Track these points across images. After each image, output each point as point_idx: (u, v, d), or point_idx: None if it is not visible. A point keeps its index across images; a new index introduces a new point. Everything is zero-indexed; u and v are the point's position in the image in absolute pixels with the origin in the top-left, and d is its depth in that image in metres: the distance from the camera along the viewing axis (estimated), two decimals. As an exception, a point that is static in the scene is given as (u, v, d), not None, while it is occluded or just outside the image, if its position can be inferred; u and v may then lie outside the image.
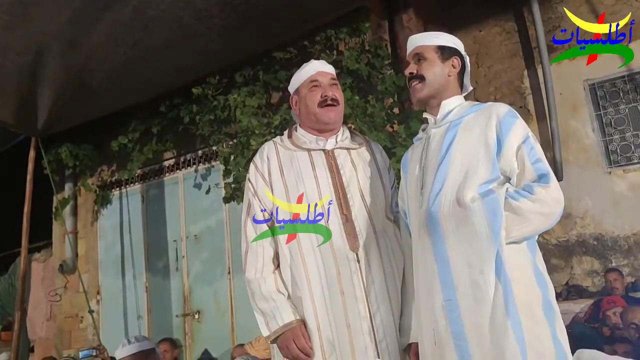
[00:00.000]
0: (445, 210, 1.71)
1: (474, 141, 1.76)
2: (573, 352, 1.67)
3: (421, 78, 1.88)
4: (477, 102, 1.91)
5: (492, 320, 1.59)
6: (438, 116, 1.90)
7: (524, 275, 1.65)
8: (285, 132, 2.16)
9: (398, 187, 2.08)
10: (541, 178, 1.68)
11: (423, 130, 1.98)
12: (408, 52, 1.97)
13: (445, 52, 1.91)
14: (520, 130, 1.74)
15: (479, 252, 1.64)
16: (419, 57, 1.91)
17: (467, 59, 1.97)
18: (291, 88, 2.19)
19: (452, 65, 1.91)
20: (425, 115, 1.96)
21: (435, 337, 1.71)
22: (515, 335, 1.56)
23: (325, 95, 2.05)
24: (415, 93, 1.91)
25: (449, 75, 1.90)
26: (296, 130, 2.14)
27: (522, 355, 1.55)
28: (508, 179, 1.73)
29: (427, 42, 1.92)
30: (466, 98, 1.98)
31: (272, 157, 2.05)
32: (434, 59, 1.89)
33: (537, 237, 1.75)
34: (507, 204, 1.65)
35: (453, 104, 1.89)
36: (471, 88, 2.00)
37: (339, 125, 2.12)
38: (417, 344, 1.83)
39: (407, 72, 1.93)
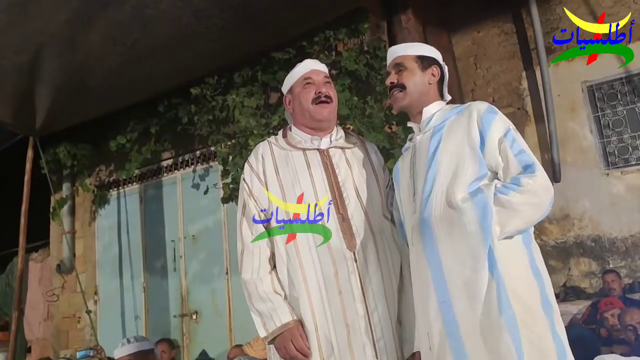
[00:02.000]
0: (436, 214, 1.73)
1: (459, 141, 1.79)
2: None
3: (402, 87, 1.92)
4: (457, 105, 1.94)
5: (486, 317, 1.60)
6: (421, 123, 1.93)
7: (521, 271, 1.66)
8: (280, 132, 2.16)
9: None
10: (526, 169, 1.69)
11: (410, 139, 2.01)
12: (388, 62, 2.01)
13: (425, 62, 1.95)
14: (500, 124, 1.76)
15: (471, 251, 1.65)
16: (399, 67, 1.95)
17: (446, 69, 2.00)
18: (285, 87, 2.19)
19: (432, 74, 1.94)
20: (409, 124, 2.00)
21: (430, 341, 1.71)
22: (510, 332, 1.56)
23: (319, 92, 2.05)
24: (397, 101, 1.95)
25: (429, 84, 1.93)
26: (290, 130, 2.14)
27: (517, 352, 1.54)
28: (495, 174, 1.75)
29: (406, 52, 1.97)
30: (463, 100, 1.99)
31: (266, 157, 2.05)
32: (413, 69, 1.93)
33: (532, 230, 1.75)
34: (497, 200, 1.66)
35: (434, 109, 1.92)
36: (449, 98, 2.03)
37: (332, 124, 2.12)
38: (420, 352, 1.83)
39: (388, 82, 1.97)
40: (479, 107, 1.82)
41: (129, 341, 3.52)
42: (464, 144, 1.77)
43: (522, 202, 1.65)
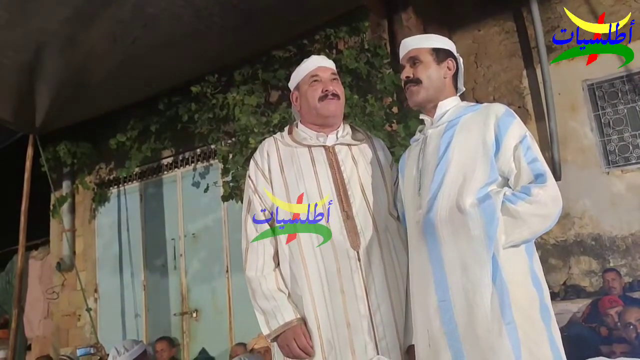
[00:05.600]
0: (442, 215, 1.71)
1: (472, 142, 1.76)
2: (569, 353, 1.67)
3: (417, 81, 1.88)
4: (473, 103, 1.91)
5: (487, 323, 1.59)
6: (435, 117, 1.90)
7: (521, 279, 1.65)
8: (286, 129, 2.15)
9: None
10: (538, 178, 1.67)
11: (420, 131, 1.98)
12: (402, 55, 1.96)
13: (440, 54, 1.90)
14: (517, 130, 1.73)
15: (474, 255, 1.64)
16: (414, 60, 1.90)
17: (461, 61, 1.96)
18: (291, 84, 2.18)
19: (448, 67, 1.91)
20: (421, 116, 1.96)
21: (430, 338, 1.71)
22: (510, 339, 1.56)
23: (326, 90, 2.04)
24: (412, 97, 1.91)
25: (444, 78, 1.90)
26: (297, 127, 2.13)
27: (517, 359, 1.55)
28: (507, 180, 1.72)
29: (421, 45, 1.92)
30: (464, 98, 1.98)
31: (272, 154, 2.04)
32: (429, 62, 1.89)
33: (535, 239, 1.74)
34: (505, 208, 1.65)
35: (449, 104, 1.89)
36: (464, 89, 2.00)
37: (339, 120, 2.11)
38: (414, 346, 1.83)
39: (403, 76, 1.93)
40: (497, 110, 1.78)
41: (118, 352, 3.53)
42: (478, 146, 1.74)
43: (530, 213, 1.64)
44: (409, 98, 1.93)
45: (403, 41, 1.99)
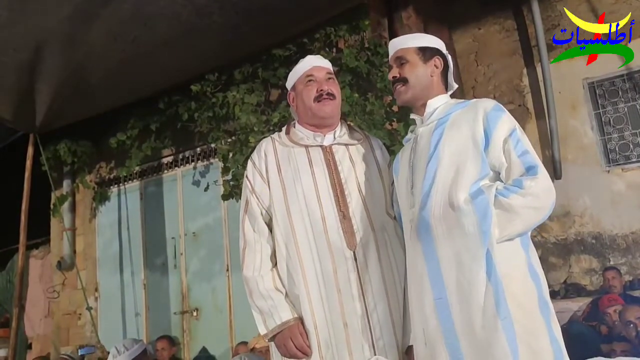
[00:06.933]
0: (436, 213, 1.71)
1: (462, 138, 1.76)
2: (569, 351, 1.66)
3: (404, 81, 1.89)
4: (462, 100, 1.91)
5: (483, 319, 1.59)
6: (424, 115, 1.90)
7: (518, 273, 1.65)
8: (283, 129, 2.15)
9: None
10: (529, 170, 1.67)
11: (411, 131, 1.98)
12: (390, 56, 1.98)
13: (427, 53, 1.91)
14: (506, 124, 1.74)
15: (469, 252, 1.64)
16: (400, 60, 1.92)
17: (449, 58, 1.97)
18: (288, 84, 2.17)
19: (435, 66, 1.91)
20: (412, 115, 1.97)
21: (426, 337, 1.70)
22: (507, 335, 1.56)
23: (321, 90, 2.03)
24: (400, 96, 1.92)
25: (431, 76, 1.90)
26: (294, 127, 2.13)
27: (513, 354, 1.54)
28: (498, 174, 1.73)
29: (407, 45, 1.93)
30: (464, 96, 1.98)
31: (269, 154, 2.04)
32: (415, 61, 1.90)
33: (530, 233, 1.74)
34: (498, 202, 1.64)
35: (438, 102, 1.89)
36: (456, 86, 2.01)
37: (336, 120, 2.10)
38: (413, 347, 1.82)
39: (390, 76, 1.95)
40: (486, 104, 1.79)
41: (118, 352, 3.54)
42: (468, 141, 1.74)
43: (523, 205, 1.63)
44: (397, 97, 1.95)
45: (390, 42, 2.01)
